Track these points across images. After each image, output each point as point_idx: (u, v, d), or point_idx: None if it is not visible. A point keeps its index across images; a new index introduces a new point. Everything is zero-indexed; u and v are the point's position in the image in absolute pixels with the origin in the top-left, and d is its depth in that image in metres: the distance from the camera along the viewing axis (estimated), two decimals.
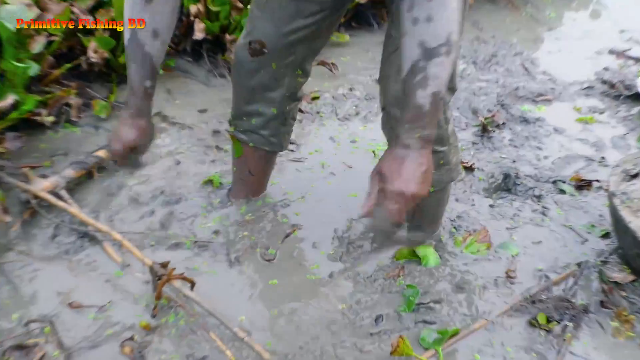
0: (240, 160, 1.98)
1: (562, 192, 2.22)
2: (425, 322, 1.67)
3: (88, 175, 2.13)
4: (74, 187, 2.07)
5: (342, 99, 2.72)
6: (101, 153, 2.17)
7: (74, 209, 1.92)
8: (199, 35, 2.72)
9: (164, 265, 1.69)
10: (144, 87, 1.49)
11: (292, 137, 2.42)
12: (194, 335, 1.60)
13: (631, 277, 1.81)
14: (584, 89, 2.95)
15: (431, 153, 1.30)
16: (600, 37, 3.54)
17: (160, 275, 1.67)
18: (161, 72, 2.69)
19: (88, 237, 1.89)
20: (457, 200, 2.15)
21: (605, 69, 3.14)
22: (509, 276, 1.83)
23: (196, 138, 2.40)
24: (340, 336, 1.62)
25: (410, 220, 1.88)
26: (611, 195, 1.82)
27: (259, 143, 1.90)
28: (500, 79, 3.00)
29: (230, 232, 1.97)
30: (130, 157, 1.61)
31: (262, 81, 1.77)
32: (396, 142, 1.29)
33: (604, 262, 1.88)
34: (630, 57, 3.29)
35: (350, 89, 2.81)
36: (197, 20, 2.73)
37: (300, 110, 2.61)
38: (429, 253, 1.86)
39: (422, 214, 1.86)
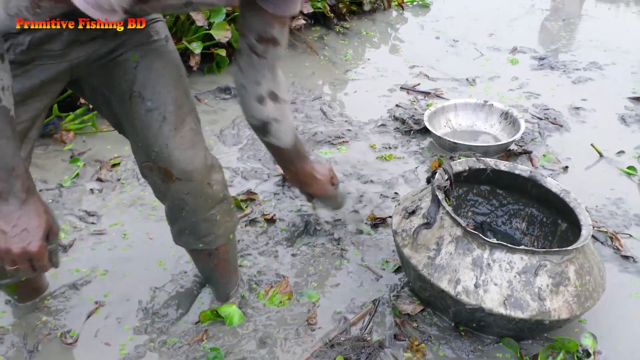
0: (18, 288, 1.97)
1: (360, 232, 2.40)
2: None
3: None
4: None
5: None
6: None
7: None
8: None
9: None
10: (21, 159, 1.33)
11: (93, 209, 2.45)
12: None
13: (420, 308, 2.01)
14: (378, 126, 3.21)
15: None
16: (393, 75, 3.85)
17: None
18: None
19: None
20: (260, 254, 2.27)
21: (398, 105, 3.42)
22: (310, 323, 1.96)
23: None
24: None
25: (216, 277, 1.97)
26: (394, 233, 2.01)
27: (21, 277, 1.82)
28: (300, 126, 3.18)
29: (27, 319, 1.95)
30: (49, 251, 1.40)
31: None
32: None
33: (397, 296, 2.06)
34: (419, 92, 3.61)
35: None
36: None
37: (100, 179, 2.64)
38: (232, 312, 1.96)
39: (227, 265, 1.96)
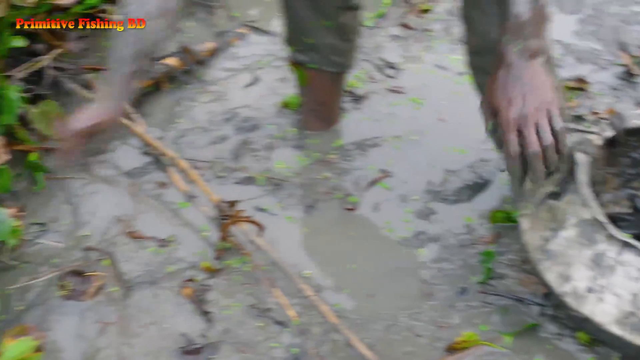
0: (307, 90, 2.29)
1: None
2: None
3: (155, 86, 2.48)
4: (139, 98, 2.40)
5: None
6: (171, 61, 2.50)
7: (138, 127, 2.27)
8: None
9: (232, 204, 2.01)
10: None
11: (394, 59, 2.66)
12: (257, 286, 1.92)
13: None
14: None
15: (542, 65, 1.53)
16: None
17: (226, 215, 2.00)
18: None
19: (153, 159, 2.25)
20: None
21: None
22: None
23: (279, 47, 2.56)
24: (416, 307, 1.90)
25: None
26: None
27: (320, 64, 2.18)
28: None
29: (310, 170, 2.27)
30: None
31: None
32: (498, 63, 1.54)
33: None
34: None
35: None
36: None
37: (407, 26, 2.82)
38: None
39: None
